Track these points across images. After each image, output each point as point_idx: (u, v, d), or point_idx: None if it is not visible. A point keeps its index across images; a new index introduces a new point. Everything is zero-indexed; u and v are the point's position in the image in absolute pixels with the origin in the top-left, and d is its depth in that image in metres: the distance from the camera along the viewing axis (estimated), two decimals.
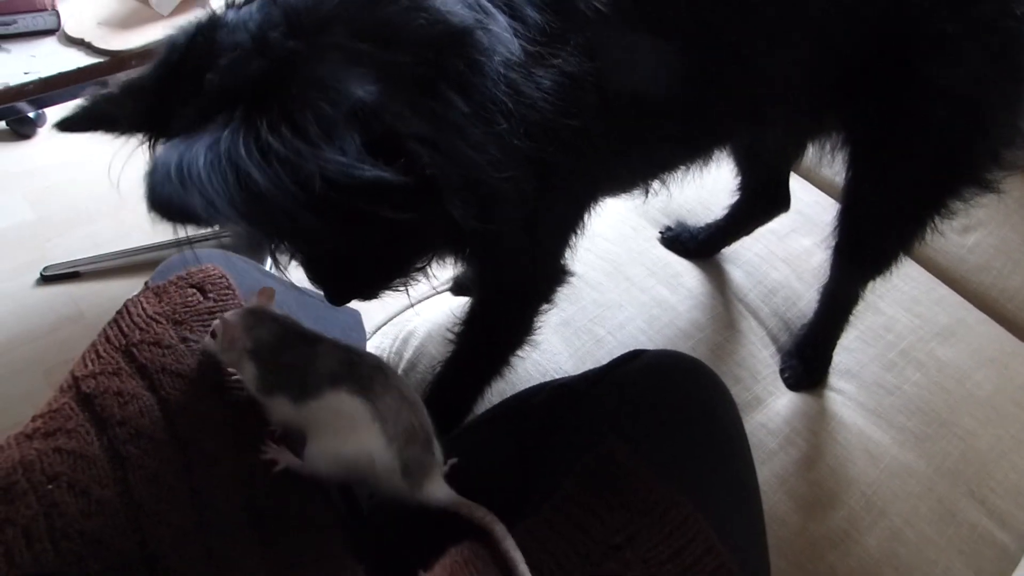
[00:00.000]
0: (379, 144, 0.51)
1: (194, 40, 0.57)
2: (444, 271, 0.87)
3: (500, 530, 0.64)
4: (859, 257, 1.07)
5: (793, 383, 1.14)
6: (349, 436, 0.63)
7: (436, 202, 0.56)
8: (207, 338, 0.67)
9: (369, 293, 0.72)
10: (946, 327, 1.23)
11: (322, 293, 0.75)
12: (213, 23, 0.57)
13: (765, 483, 0.99)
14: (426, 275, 0.74)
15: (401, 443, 0.63)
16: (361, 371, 0.64)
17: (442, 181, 0.54)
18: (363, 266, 0.67)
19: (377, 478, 0.63)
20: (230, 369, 0.67)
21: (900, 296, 1.26)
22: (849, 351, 1.18)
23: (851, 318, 1.15)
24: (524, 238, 0.76)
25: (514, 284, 0.86)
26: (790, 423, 1.08)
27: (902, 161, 0.91)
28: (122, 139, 0.61)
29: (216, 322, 0.66)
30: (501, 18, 0.60)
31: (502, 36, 0.59)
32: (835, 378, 1.16)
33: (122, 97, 0.59)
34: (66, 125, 0.61)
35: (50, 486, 0.59)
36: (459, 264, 0.82)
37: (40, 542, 0.56)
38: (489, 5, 0.61)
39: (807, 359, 1.15)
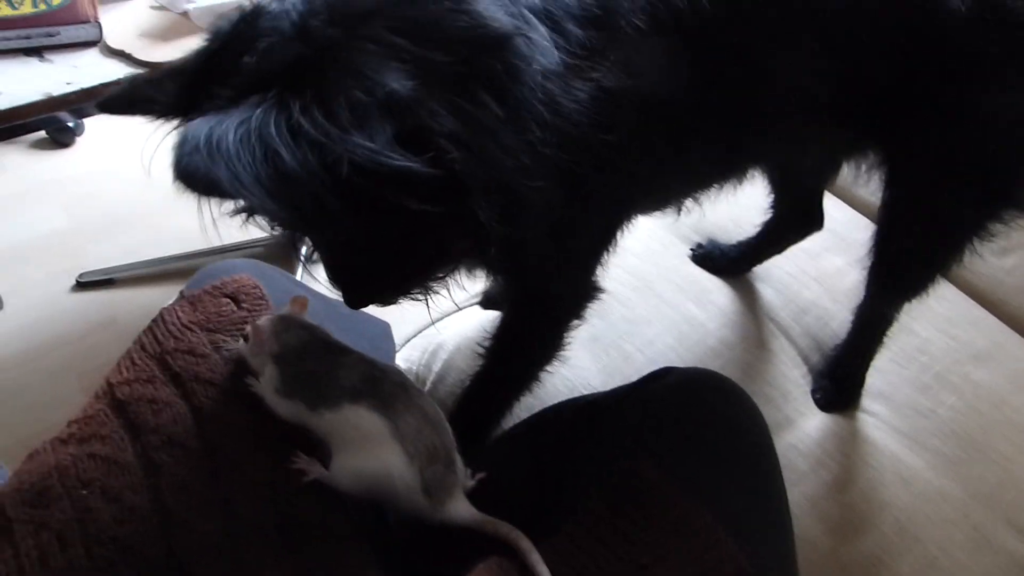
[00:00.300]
0: (410, 138, 0.52)
1: (237, 27, 0.58)
2: (474, 284, 0.87)
3: (526, 545, 0.63)
4: (895, 278, 1.05)
5: (824, 404, 1.12)
6: (369, 452, 0.63)
7: (461, 202, 0.56)
8: (240, 342, 0.68)
9: (387, 298, 0.71)
10: (982, 350, 1.21)
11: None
12: (257, 11, 0.58)
13: (796, 505, 0.97)
14: (447, 287, 0.73)
15: (423, 462, 0.63)
16: (383, 388, 0.64)
17: (470, 181, 0.54)
18: (383, 267, 0.67)
19: (398, 496, 0.63)
20: (253, 378, 0.68)
21: (935, 317, 1.24)
22: (882, 373, 1.16)
23: (885, 339, 1.13)
24: (554, 251, 0.76)
25: (544, 299, 0.86)
26: (821, 445, 1.06)
27: (941, 182, 0.89)
28: (158, 123, 0.61)
29: (248, 326, 0.67)
30: (542, 29, 0.61)
31: (542, 45, 0.59)
32: (868, 400, 1.14)
33: (163, 80, 0.60)
34: (107, 105, 0.62)
35: (84, 491, 0.59)
36: (488, 277, 0.82)
37: (74, 547, 0.57)
38: (531, 16, 0.61)
39: (839, 380, 1.14)
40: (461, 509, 0.65)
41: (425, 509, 0.64)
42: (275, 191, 0.47)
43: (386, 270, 0.67)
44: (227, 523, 0.60)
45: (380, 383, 0.64)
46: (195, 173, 0.47)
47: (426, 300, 0.72)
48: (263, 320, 0.67)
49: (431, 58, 0.53)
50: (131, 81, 0.61)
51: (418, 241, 0.62)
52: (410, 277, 0.69)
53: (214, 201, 0.53)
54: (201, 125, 0.48)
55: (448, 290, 0.74)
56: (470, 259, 0.72)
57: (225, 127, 0.48)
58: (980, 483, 1.04)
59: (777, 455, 0.79)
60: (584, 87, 0.62)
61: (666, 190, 0.89)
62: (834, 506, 1.00)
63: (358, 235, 0.58)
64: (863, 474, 1.04)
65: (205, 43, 0.59)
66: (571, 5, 0.64)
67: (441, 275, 0.71)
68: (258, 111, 0.49)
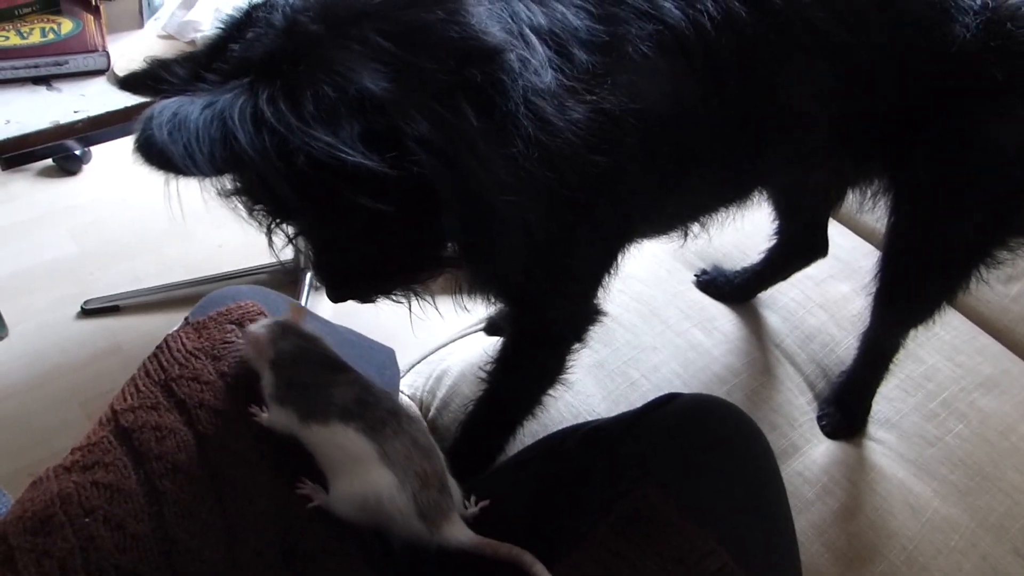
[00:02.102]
0: (381, 138, 0.52)
1: (241, 17, 0.60)
2: (477, 310, 0.87)
3: (529, 559, 0.64)
4: (901, 305, 1.05)
5: (831, 431, 1.12)
6: (359, 476, 0.63)
7: (431, 207, 0.56)
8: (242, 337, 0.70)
9: (365, 295, 0.71)
10: (989, 378, 1.20)
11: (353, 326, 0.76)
12: (264, 4, 0.59)
13: (802, 533, 0.97)
14: (429, 290, 0.73)
15: (415, 487, 0.63)
16: (374, 412, 0.64)
17: (440, 186, 0.55)
18: (361, 264, 0.67)
19: (392, 520, 0.63)
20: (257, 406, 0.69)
21: (941, 344, 1.23)
22: (888, 400, 1.15)
23: (891, 366, 1.12)
24: (553, 272, 0.76)
25: (546, 322, 0.86)
26: (828, 472, 1.06)
27: (948, 210, 0.89)
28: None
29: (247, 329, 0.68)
30: (541, 48, 0.61)
31: (533, 63, 0.59)
32: (874, 427, 1.13)
33: (176, 64, 0.61)
34: (127, 82, 0.63)
35: (87, 519, 0.59)
36: (490, 302, 0.82)
37: (76, 575, 0.56)
38: (532, 35, 0.61)
39: (845, 407, 1.13)
40: (459, 533, 0.65)
41: (423, 533, 0.64)
42: (226, 171, 0.49)
43: (364, 267, 0.67)
44: (231, 551, 0.60)
45: (372, 408, 0.64)
46: (152, 147, 0.48)
47: (407, 301, 0.72)
48: (259, 326, 0.67)
49: (416, 63, 0.53)
50: (151, 61, 0.62)
51: (393, 242, 0.62)
52: (388, 277, 0.69)
53: (172, 176, 0.53)
54: (172, 103, 0.50)
55: (436, 306, 0.75)
56: (451, 265, 0.71)
57: (192, 107, 0.49)
58: (989, 513, 1.03)
59: (783, 482, 0.78)
60: (581, 108, 0.62)
61: (669, 214, 0.89)
62: (841, 535, 0.99)
63: (322, 228, 0.59)
64: (870, 502, 1.03)
65: (216, 31, 0.61)
66: (578, 28, 0.65)
67: (421, 279, 0.71)
68: (227, 95, 0.51)
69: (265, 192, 0.51)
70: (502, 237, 0.64)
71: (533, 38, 0.61)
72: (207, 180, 0.55)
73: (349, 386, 0.65)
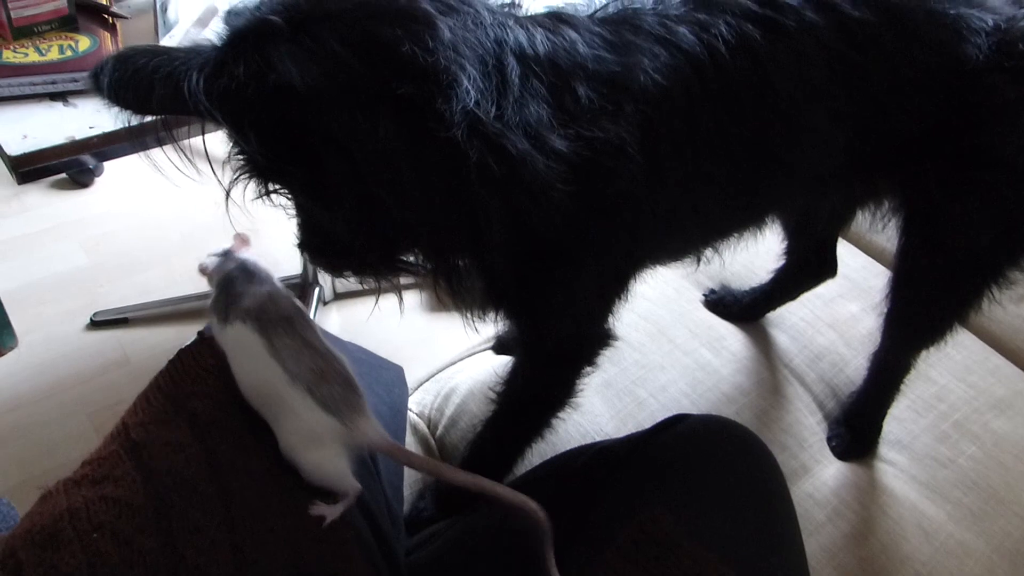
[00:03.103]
0: (291, 126, 0.57)
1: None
2: (486, 329, 0.87)
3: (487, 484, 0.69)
4: (912, 326, 1.05)
5: (841, 452, 1.11)
6: (249, 365, 0.68)
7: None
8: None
9: (344, 267, 0.73)
10: (1002, 399, 1.19)
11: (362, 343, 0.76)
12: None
13: (812, 556, 0.96)
14: (412, 268, 0.73)
15: (310, 381, 0.65)
16: (269, 315, 0.69)
17: (334, 179, 0.58)
18: (340, 235, 0.68)
19: (298, 416, 0.65)
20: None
21: (952, 365, 1.23)
22: (899, 421, 1.15)
23: (902, 387, 1.12)
24: (561, 296, 0.76)
25: (557, 345, 0.86)
26: (838, 494, 1.05)
27: (960, 230, 0.89)
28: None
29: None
30: (516, 79, 0.60)
31: (491, 91, 0.59)
32: (885, 448, 1.12)
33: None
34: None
35: (95, 535, 0.59)
36: (499, 321, 0.82)
37: None
38: (514, 65, 0.61)
39: (856, 428, 1.12)
40: (371, 430, 0.68)
41: (337, 429, 0.66)
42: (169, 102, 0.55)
43: (342, 239, 0.68)
44: (240, 569, 0.59)
45: (269, 312, 0.69)
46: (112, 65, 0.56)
47: (392, 280, 0.74)
48: (209, 257, 0.75)
49: (356, 69, 0.55)
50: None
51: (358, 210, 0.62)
52: (367, 251, 0.69)
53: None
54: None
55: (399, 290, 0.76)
56: (427, 247, 0.70)
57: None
58: (1005, 538, 1.02)
59: (793, 504, 0.78)
60: (564, 141, 0.62)
61: (682, 240, 0.89)
62: (852, 558, 0.98)
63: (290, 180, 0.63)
64: (882, 525, 1.02)
65: None
66: (586, 58, 0.65)
67: (401, 257, 0.71)
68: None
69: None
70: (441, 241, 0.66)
71: (513, 65, 0.60)
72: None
73: (256, 294, 0.70)
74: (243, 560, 0.60)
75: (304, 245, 0.74)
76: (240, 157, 0.64)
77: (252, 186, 0.66)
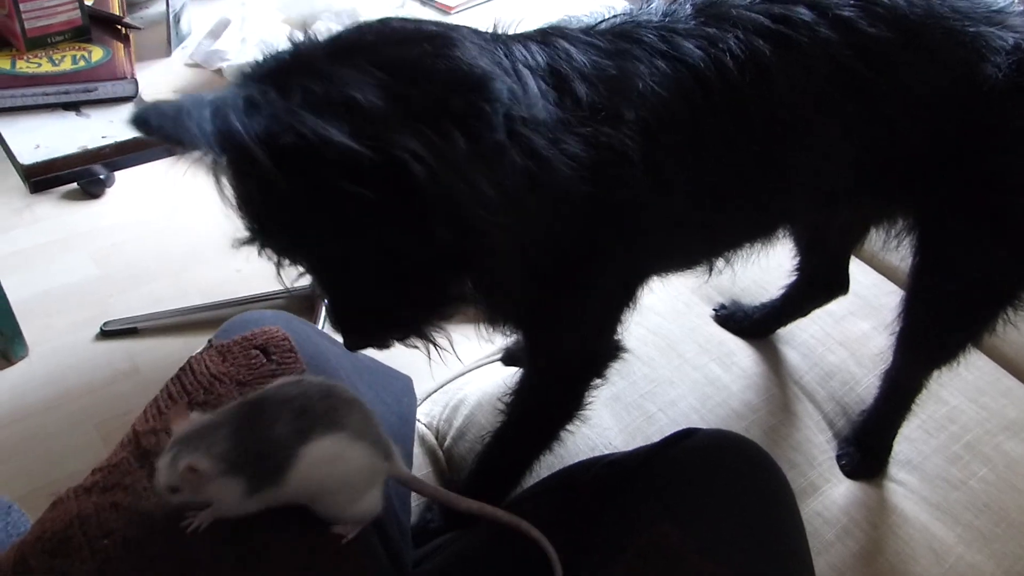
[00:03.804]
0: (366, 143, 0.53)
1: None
2: (495, 341, 0.87)
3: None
4: (924, 345, 1.04)
5: (851, 471, 1.10)
6: (336, 467, 0.61)
7: (418, 215, 0.56)
8: (168, 496, 0.59)
9: (380, 338, 0.68)
10: (1014, 421, 1.18)
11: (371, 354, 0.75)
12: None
13: (821, 574, 0.95)
14: (448, 338, 0.71)
15: (361, 431, 0.64)
16: (319, 411, 0.62)
17: (426, 195, 0.54)
18: (374, 302, 0.65)
19: (362, 468, 0.63)
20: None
21: (964, 385, 1.22)
22: (910, 441, 1.14)
23: (913, 407, 1.11)
24: (570, 308, 0.75)
25: (565, 357, 0.85)
26: (848, 513, 1.04)
27: (974, 251, 0.89)
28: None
29: (161, 473, 0.58)
30: (533, 83, 0.62)
31: (520, 96, 0.60)
32: (896, 468, 1.11)
33: None
34: None
35: (105, 541, 0.59)
36: (508, 334, 0.82)
37: None
38: (525, 71, 0.62)
39: (866, 447, 1.11)
40: (400, 461, 0.68)
41: (383, 468, 0.65)
42: (216, 141, 0.49)
43: (377, 305, 0.66)
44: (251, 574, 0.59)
45: (308, 411, 0.61)
46: (155, 106, 0.50)
47: (425, 347, 0.70)
48: (167, 462, 0.58)
49: (403, 91, 0.54)
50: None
51: (398, 264, 0.61)
52: (400, 312, 0.67)
53: (172, 147, 0.54)
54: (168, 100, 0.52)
55: (453, 344, 0.73)
56: (464, 303, 0.69)
57: (187, 98, 0.50)
58: (1015, 561, 1.01)
59: (803, 521, 0.77)
60: (577, 142, 0.63)
61: (690, 251, 0.89)
62: None
63: (324, 251, 0.59)
64: (892, 546, 1.01)
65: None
66: (583, 63, 0.65)
67: (436, 315, 0.69)
68: (223, 91, 0.52)
69: (246, 167, 0.51)
70: (495, 257, 0.64)
71: (526, 72, 0.62)
72: (199, 158, 0.55)
73: (279, 415, 0.61)
74: (252, 566, 0.60)
75: (344, 320, 0.67)
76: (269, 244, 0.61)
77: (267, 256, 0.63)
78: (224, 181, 0.58)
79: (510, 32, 0.69)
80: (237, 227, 0.62)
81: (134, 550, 0.59)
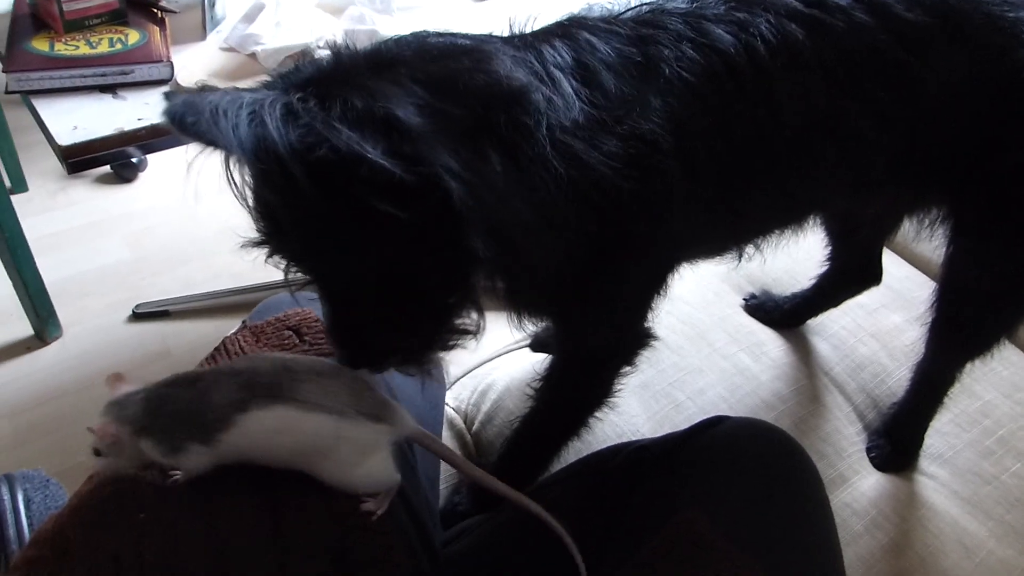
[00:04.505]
0: (404, 161, 0.51)
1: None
2: (524, 327, 0.86)
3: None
4: (957, 337, 1.03)
5: (880, 463, 1.09)
6: (284, 438, 0.61)
7: (447, 230, 0.55)
8: (96, 460, 0.63)
9: (380, 352, 0.66)
10: None
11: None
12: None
13: (849, 566, 0.93)
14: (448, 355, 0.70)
15: (348, 404, 0.62)
16: (262, 384, 0.62)
17: (466, 215, 0.53)
18: (376, 306, 0.63)
19: (351, 440, 0.62)
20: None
21: (998, 380, 1.20)
22: (942, 435, 1.12)
23: (945, 400, 1.10)
24: (602, 297, 0.75)
25: (595, 345, 0.85)
26: (877, 505, 1.03)
27: (1009, 242, 0.87)
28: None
29: (91, 437, 0.62)
30: (567, 84, 0.61)
31: (559, 102, 0.60)
32: (926, 462, 1.10)
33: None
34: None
35: (141, 515, 0.60)
36: (537, 321, 0.82)
37: (130, 571, 0.57)
38: (558, 72, 0.62)
39: (896, 440, 1.10)
40: (407, 418, 0.67)
41: (386, 432, 0.64)
42: (250, 148, 0.48)
43: (383, 324, 0.64)
44: (282, 552, 0.60)
45: (254, 385, 0.62)
46: (185, 103, 0.49)
47: (421, 374, 0.69)
48: (97, 425, 0.62)
49: (443, 108, 0.54)
50: (200, 85, 0.62)
51: (413, 271, 0.60)
52: (405, 338, 0.66)
53: (199, 146, 0.53)
54: (203, 94, 0.51)
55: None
56: (469, 335, 0.69)
57: (222, 95, 0.49)
58: None
59: (832, 512, 0.77)
60: (613, 140, 0.62)
61: (720, 237, 0.88)
62: (890, 571, 0.97)
63: (338, 255, 0.57)
64: (921, 539, 1.00)
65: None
66: (607, 53, 0.65)
67: (437, 345, 0.68)
68: (260, 92, 0.51)
69: (280, 179, 0.49)
70: (532, 270, 0.64)
71: (558, 74, 0.61)
72: (226, 158, 0.55)
73: (222, 383, 0.62)
74: (285, 542, 0.60)
75: (345, 334, 0.66)
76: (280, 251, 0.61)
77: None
78: (240, 179, 0.57)
79: (527, 29, 0.69)
80: (249, 226, 0.61)
81: (168, 526, 0.59)
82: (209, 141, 0.50)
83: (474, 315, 0.67)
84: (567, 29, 0.67)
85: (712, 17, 0.70)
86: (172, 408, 0.61)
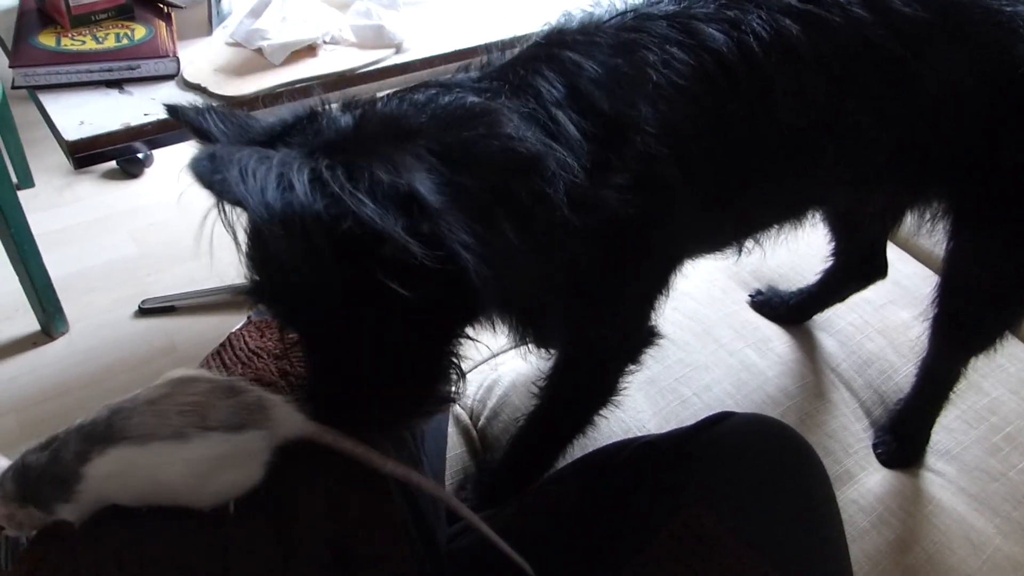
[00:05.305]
0: (421, 240, 0.51)
1: (300, 119, 0.59)
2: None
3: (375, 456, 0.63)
4: (958, 333, 1.02)
5: (887, 460, 1.09)
6: (135, 480, 0.60)
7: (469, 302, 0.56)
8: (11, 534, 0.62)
9: (357, 414, 0.65)
10: None
11: None
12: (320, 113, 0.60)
13: (856, 563, 0.93)
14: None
15: (195, 423, 0.59)
16: (100, 432, 0.60)
17: (481, 289, 0.54)
18: (363, 368, 0.62)
19: (207, 459, 0.59)
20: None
21: (1006, 377, 1.20)
22: (949, 431, 1.12)
23: (952, 397, 1.09)
24: (606, 300, 0.75)
25: (600, 345, 0.85)
26: (883, 501, 1.03)
27: (1010, 237, 0.87)
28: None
29: None
30: (570, 125, 0.61)
31: (569, 160, 0.60)
32: (933, 458, 1.10)
33: (223, 117, 0.60)
34: (172, 110, 0.63)
35: (143, 509, 0.60)
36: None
37: (130, 565, 0.57)
38: (558, 112, 0.62)
39: (903, 436, 1.10)
40: (294, 421, 0.62)
41: (258, 438, 0.61)
42: (278, 213, 0.47)
43: (364, 387, 0.63)
44: (285, 547, 0.60)
45: (93, 432, 0.60)
46: (212, 158, 0.49)
47: (390, 446, 0.67)
48: None
49: (459, 182, 0.54)
50: (196, 109, 0.61)
51: (406, 358, 0.61)
52: (383, 404, 0.65)
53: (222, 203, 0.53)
54: (229, 148, 0.50)
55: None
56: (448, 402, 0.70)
57: (249, 153, 0.49)
58: None
59: (839, 507, 0.76)
60: (620, 174, 0.63)
61: (719, 233, 0.88)
62: (896, 567, 0.96)
63: (337, 321, 0.57)
64: (928, 535, 1.00)
65: (275, 120, 0.60)
66: (594, 71, 0.65)
67: (416, 415, 0.69)
68: (285, 154, 0.50)
69: (301, 245, 0.49)
70: (538, 310, 0.66)
71: (559, 114, 0.62)
72: (246, 215, 0.54)
73: (63, 444, 0.60)
74: (287, 539, 0.60)
75: (323, 393, 0.65)
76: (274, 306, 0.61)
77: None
78: (236, 226, 0.57)
79: (506, 57, 0.68)
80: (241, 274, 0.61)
81: (171, 519, 0.60)
82: (233, 200, 0.49)
83: (454, 379, 0.68)
84: (550, 51, 0.66)
85: (702, 16, 0.69)
86: (35, 474, 0.60)
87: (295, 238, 0.48)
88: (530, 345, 0.77)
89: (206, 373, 0.65)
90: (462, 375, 0.69)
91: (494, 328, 0.68)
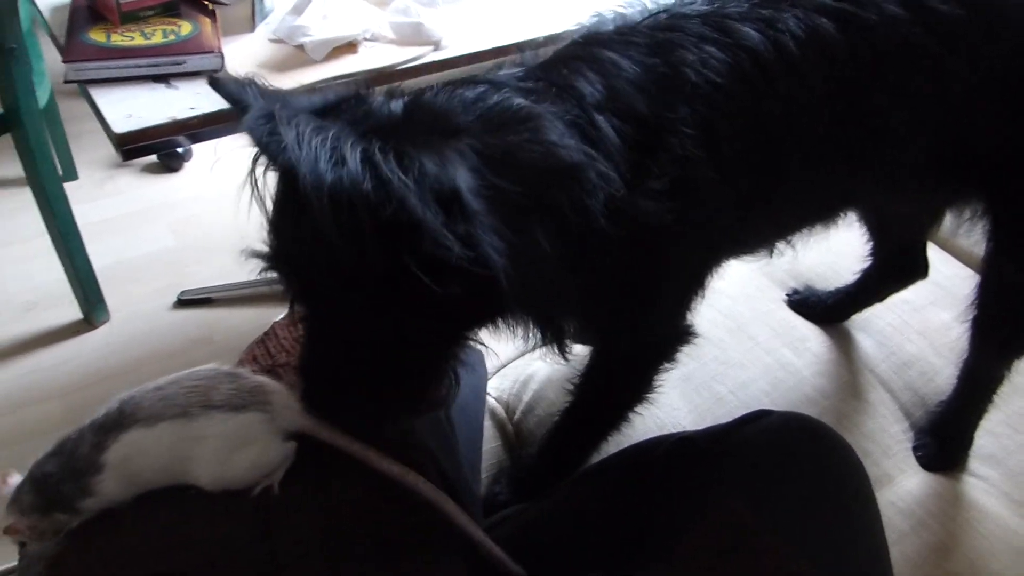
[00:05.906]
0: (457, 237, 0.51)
1: (353, 96, 0.60)
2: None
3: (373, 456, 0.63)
4: (998, 335, 1.01)
5: (927, 463, 1.07)
6: (147, 459, 0.62)
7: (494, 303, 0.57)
8: (32, 548, 0.63)
9: (351, 402, 0.65)
10: None
11: None
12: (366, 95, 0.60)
13: (896, 565, 0.91)
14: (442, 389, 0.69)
15: (200, 402, 0.62)
16: (113, 420, 0.63)
17: (509, 293, 0.54)
18: (368, 355, 0.62)
19: (215, 437, 0.61)
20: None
21: None
22: (994, 435, 1.10)
23: (996, 400, 1.07)
24: (642, 298, 0.75)
25: (635, 343, 0.85)
26: (923, 505, 1.01)
27: None
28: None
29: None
30: (609, 130, 0.61)
31: (610, 171, 0.60)
32: (976, 462, 1.08)
33: (265, 93, 0.61)
34: (215, 82, 0.64)
35: (192, 491, 0.61)
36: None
37: (174, 549, 0.58)
38: (598, 117, 0.62)
39: (943, 439, 1.08)
40: (292, 412, 0.64)
41: (260, 420, 0.62)
42: (328, 185, 0.47)
43: (365, 373, 0.63)
44: (329, 525, 0.60)
45: (104, 426, 0.63)
46: (260, 129, 0.49)
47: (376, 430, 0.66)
48: (9, 527, 0.61)
49: (499, 186, 0.54)
50: (246, 81, 0.61)
51: (416, 348, 0.60)
52: (381, 393, 0.65)
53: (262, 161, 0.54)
54: (288, 109, 0.51)
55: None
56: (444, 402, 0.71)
57: (306, 120, 0.49)
58: None
59: (879, 507, 0.76)
60: (658, 181, 0.63)
61: (752, 235, 0.88)
62: (938, 572, 0.95)
63: (354, 290, 0.56)
64: (970, 540, 0.98)
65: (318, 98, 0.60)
66: (632, 71, 0.65)
67: (411, 409, 0.68)
68: (340, 127, 0.51)
69: (346, 217, 0.48)
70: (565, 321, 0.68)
71: (600, 119, 0.62)
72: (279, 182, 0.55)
73: (80, 438, 0.63)
74: (330, 523, 0.61)
75: (319, 376, 0.65)
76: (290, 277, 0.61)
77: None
78: (264, 189, 0.57)
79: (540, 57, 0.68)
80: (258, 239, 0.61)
81: (215, 499, 0.61)
82: (284, 163, 0.49)
83: (450, 379, 0.68)
84: (588, 50, 0.67)
85: (736, 16, 0.69)
86: (54, 479, 0.61)
87: (341, 213, 0.48)
88: (552, 346, 0.75)
89: (215, 364, 0.68)
90: (457, 380, 0.69)
91: (511, 331, 0.67)
